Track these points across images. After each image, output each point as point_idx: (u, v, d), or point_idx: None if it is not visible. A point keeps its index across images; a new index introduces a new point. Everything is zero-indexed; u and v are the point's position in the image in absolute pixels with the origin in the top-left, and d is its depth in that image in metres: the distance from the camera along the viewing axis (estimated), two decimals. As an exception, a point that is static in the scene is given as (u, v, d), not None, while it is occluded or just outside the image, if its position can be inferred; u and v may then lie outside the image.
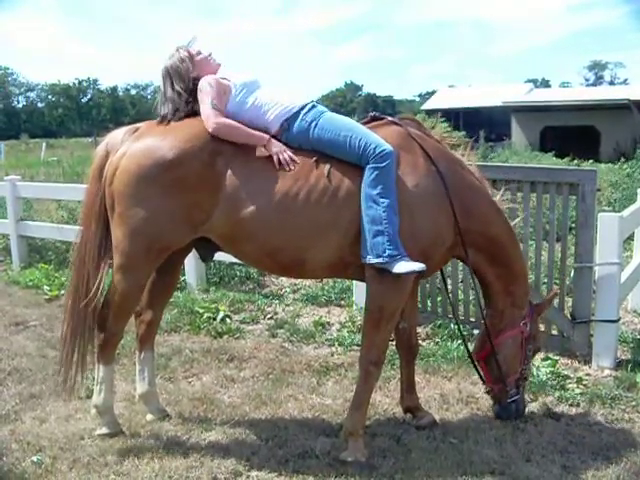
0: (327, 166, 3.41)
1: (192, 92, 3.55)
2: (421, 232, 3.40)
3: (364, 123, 3.64)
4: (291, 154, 3.41)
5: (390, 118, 3.71)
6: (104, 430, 3.70)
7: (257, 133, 3.43)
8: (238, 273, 7.21)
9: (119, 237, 3.45)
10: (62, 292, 6.80)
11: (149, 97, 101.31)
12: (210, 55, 3.67)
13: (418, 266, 3.27)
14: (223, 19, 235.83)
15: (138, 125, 3.62)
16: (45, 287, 6.98)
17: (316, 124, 3.44)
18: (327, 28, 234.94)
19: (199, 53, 3.65)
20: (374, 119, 3.70)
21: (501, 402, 3.86)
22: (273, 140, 3.43)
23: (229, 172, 3.36)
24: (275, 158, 3.38)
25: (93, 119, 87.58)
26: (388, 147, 3.34)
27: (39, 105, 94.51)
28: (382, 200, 3.26)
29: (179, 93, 3.54)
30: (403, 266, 3.26)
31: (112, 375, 3.76)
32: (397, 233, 3.28)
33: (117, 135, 3.59)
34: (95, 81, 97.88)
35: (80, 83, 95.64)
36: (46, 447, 3.61)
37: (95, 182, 3.57)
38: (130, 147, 3.44)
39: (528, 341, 3.81)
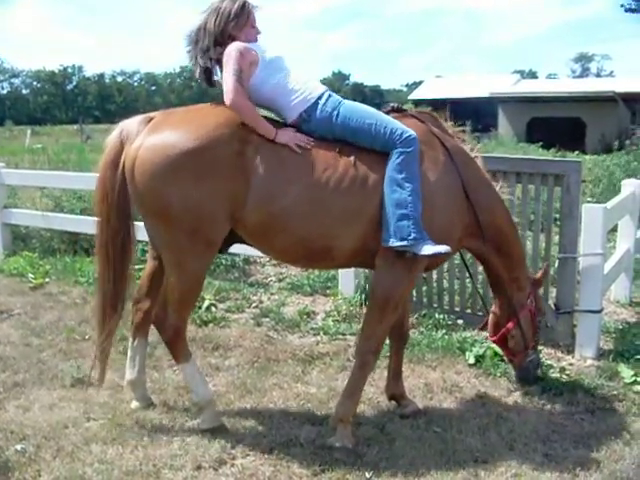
0: (352, 154, 3.43)
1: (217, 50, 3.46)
2: (436, 231, 3.43)
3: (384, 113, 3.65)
4: (302, 135, 3.41)
5: (410, 112, 3.74)
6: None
7: (267, 125, 3.37)
8: (223, 262, 7.18)
9: (161, 233, 3.37)
10: (47, 280, 6.78)
11: (136, 84, 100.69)
12: (259, 32, 3.57)
13: (444, 248, 3.34)
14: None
15: (152, 114, 3.51)
16: (29, 275, 6.90)
17: (338, 113, 3.43)
18: (316, 15, 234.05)
19: (253, 20, 3.54)
20: (394, 110, 3.71)
21: (521, 365, 4.11)
22: (279, 132, 3.38)
23: (258, 160, 3.30)
24: (292, 146, 3.36)
25: (79, 106, 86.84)
26: (413, 133, 3.39)
27: (24, 92, 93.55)
28: (407, 184, 3.31)
29: (207, 47, 3.43)
30: (428, 249, 3.31)
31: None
32: (421, 217, 3.33)
33: (131, 125, 3.45)
34: (80, 68, 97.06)
35: (65, 70, 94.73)
36: (30, 436, 3.59)
37: (110, 174, 3.41)
38: (148, 139, 3.29)
39: (536, 314, 4.05)
